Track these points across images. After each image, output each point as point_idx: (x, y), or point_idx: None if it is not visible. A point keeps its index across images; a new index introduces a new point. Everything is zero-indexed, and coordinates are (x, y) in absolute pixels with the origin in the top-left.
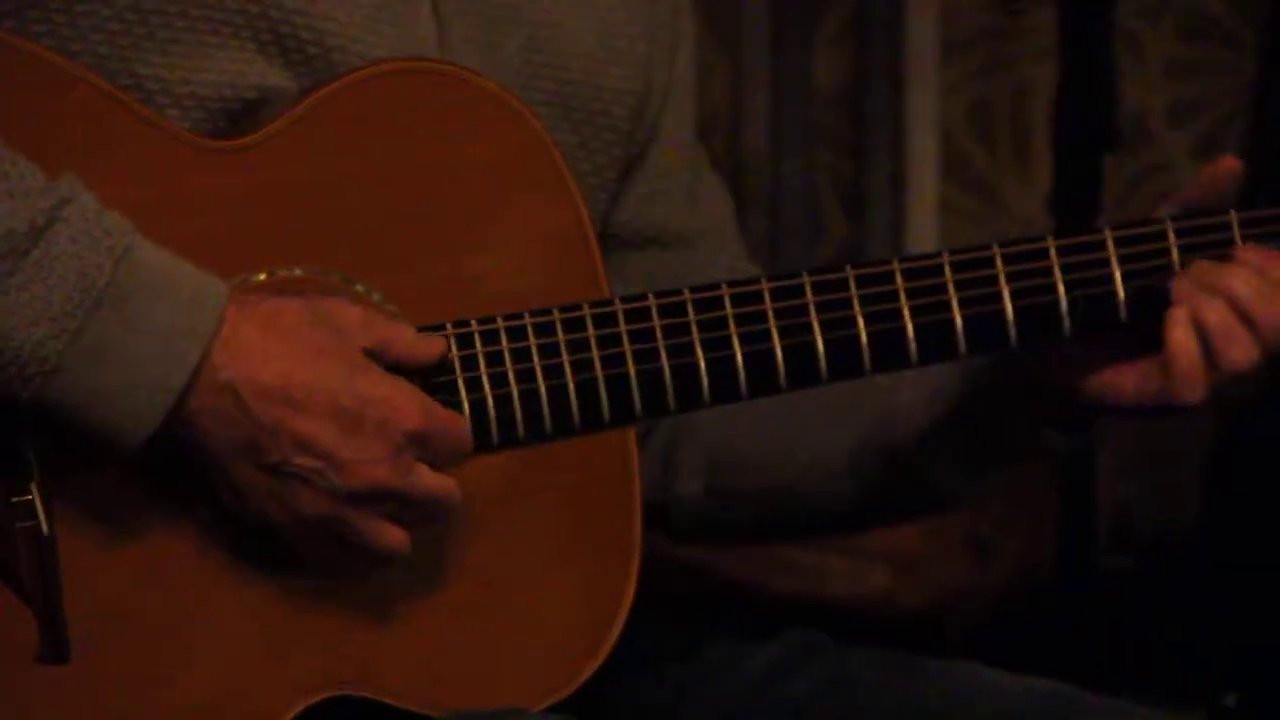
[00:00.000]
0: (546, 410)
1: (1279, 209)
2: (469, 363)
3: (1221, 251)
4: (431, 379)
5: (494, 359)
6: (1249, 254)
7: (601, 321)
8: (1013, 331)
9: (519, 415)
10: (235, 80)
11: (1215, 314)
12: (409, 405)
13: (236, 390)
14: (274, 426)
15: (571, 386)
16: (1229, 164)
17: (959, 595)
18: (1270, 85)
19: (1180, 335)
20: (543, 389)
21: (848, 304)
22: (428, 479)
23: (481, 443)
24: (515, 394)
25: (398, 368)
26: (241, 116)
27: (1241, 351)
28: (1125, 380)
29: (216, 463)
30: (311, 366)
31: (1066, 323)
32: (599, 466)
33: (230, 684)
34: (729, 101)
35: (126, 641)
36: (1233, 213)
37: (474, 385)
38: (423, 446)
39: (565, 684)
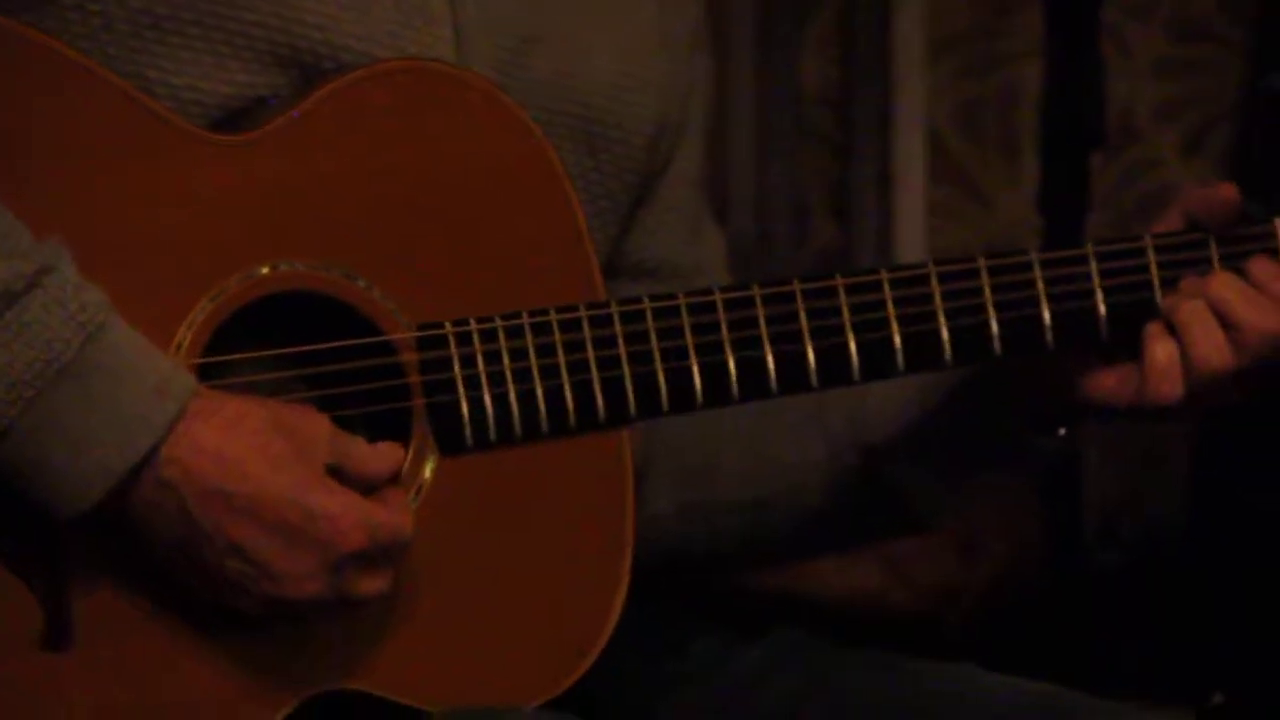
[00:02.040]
0: (543, 410)
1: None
2: (467, 361)
3: (1208, 269)
4: (429, 376)
5: (492, 358)
6: (1255, 266)
7: (598, 323)
8: (997, 345)
9: (516, 414)
10: (244, 91)
11: (1192, 313)
12: (353, 527)
13: (179, 490)
14: (212, 531)
15: (568, 387)
16: (1227, 192)
17: (947, 593)
18: (1258, 84)
19: (1155, 330)
20: (539, 389)
21: (837, 312)
22: (363, 587)
23: (479, 441)
24: (512, 393)
25: (355, 484)
26: (246, 115)
27: (1215, 350)
28: (1105, 382)
29: (155, 553)
30: (263, 476)
31: (1049, 337)
32: (593, 465)
33: (227, 677)
34: (715, 102)
35: (126, 634)
36: (1212, 242)
37: (472, 383)
38: (365, 563)
39: (558, 681)
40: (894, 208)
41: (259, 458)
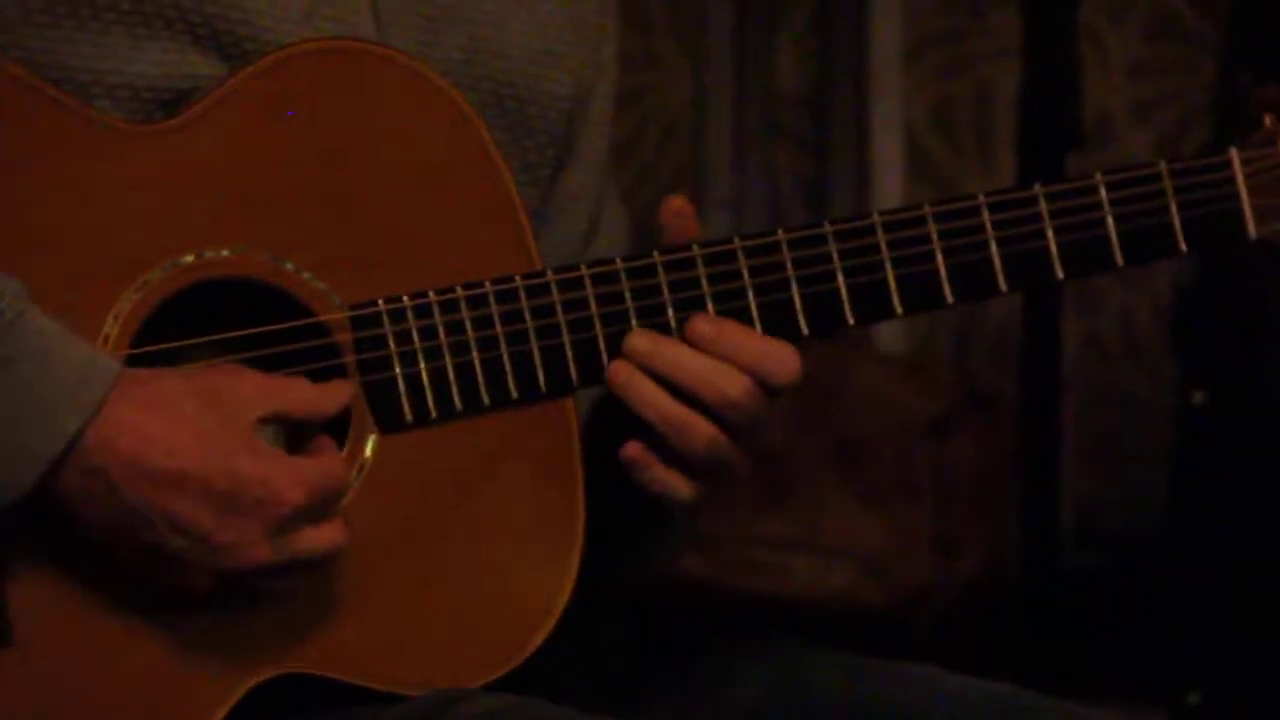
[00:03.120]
0: (482, 382)
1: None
2: (402, 338)
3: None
4: (365, 354)
5: (427, 333)
6: (698, 325)
7: (534, 292)
8: (948, 293)
9: (454, 388)
10: (170, 71)
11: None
12: (288, 485)
13: (107, 473)
14: (147, 509)
15: (506, 358)
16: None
17: (923, 594)
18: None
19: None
20: (477, 362)
21: (781, 267)
22: (312, 541)
23: (419, 416)
24: (450, 367)
25: (303, 426)
26: (176, 105)
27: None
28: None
29: (97, 539)
30: (189, 448)
31: (1001, 280)
32: (539, 433)
33: (178, 660)
34: (691, 102)
35: (71, 624)
36: (1165, 172)
37: (408, 360)
38: (306, 517)
39: (515, 654)
40: (871, 205)
41: (183, 431)
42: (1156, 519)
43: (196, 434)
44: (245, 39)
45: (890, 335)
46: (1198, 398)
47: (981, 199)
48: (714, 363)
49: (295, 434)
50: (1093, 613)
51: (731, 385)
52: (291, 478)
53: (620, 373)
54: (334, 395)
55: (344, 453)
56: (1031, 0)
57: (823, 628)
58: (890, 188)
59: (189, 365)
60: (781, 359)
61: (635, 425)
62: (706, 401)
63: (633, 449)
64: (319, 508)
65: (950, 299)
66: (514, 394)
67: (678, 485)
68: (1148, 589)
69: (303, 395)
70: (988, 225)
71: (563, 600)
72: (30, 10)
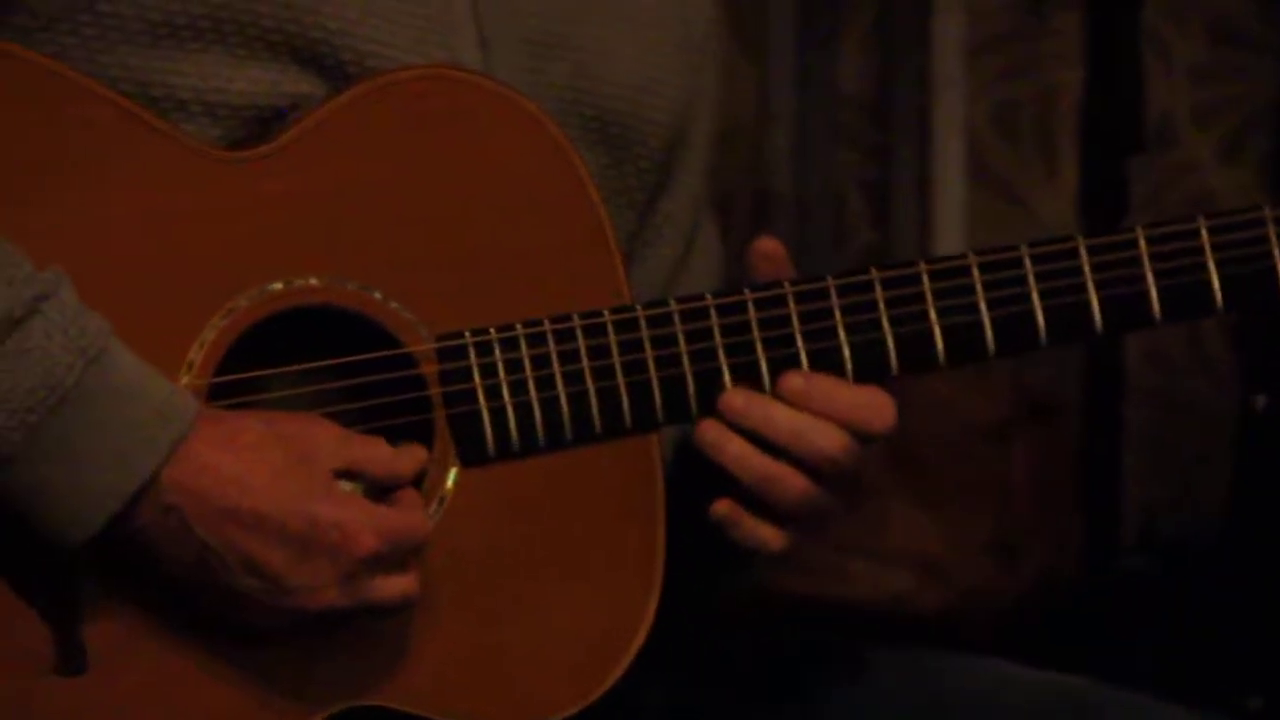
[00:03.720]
0: (567, 417)
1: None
2: (488, 370)
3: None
4: (450, 387)
5: (513, 366)
6: (790, 380)
7: (623, 327)
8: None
9: (539, 422)
10: (270, 90)
11: (750, 467)
12: (363, 531)
13: (183, 511)
14: (221, 548)
15: (592, 393)
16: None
17: (981, 597)
18: None
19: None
20: (563, 396)
21: (873, 306)
22: (383, 590)
23: (501, 450)
24: (535, 401)
25: (379, 486)
26: (271, 124)
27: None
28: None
29: (170, 576)
30: (264, 489)
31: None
32: (622, 469)
33: (246, 696)
34: (754, 104)
35: (145, 654)
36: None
37: (493, 393)
38: (379, 565)
39: (589, 691)
40: (932, 211)
41: (260, 471)
42: (1218, 523)
43: (273, 475)
44: (348, 63)
45: None
46: (1259, 402)
47: (1080, 242)
48: (808, 419)
49: (375, 489)
50: (1153, 617)
51: (826, 441)
52: (367, 524)
53: (709, 431)
54: (411, 458)
55: (425, 484)
56: (1094, 2)
57: (881, 631)
58: (952, 191)
59: (268, 410)
60: (876, 408)
61: (724, 476)
62: (800, 457)
63: (723, 506)
64: (393, 557)
65: (1044, 340)
66: (598, 429)
67: (769, 538)
68: (1209, 594)
69: (380, 454)
70: (1086, 268)
71: (639, 640)
72: (131, 31)
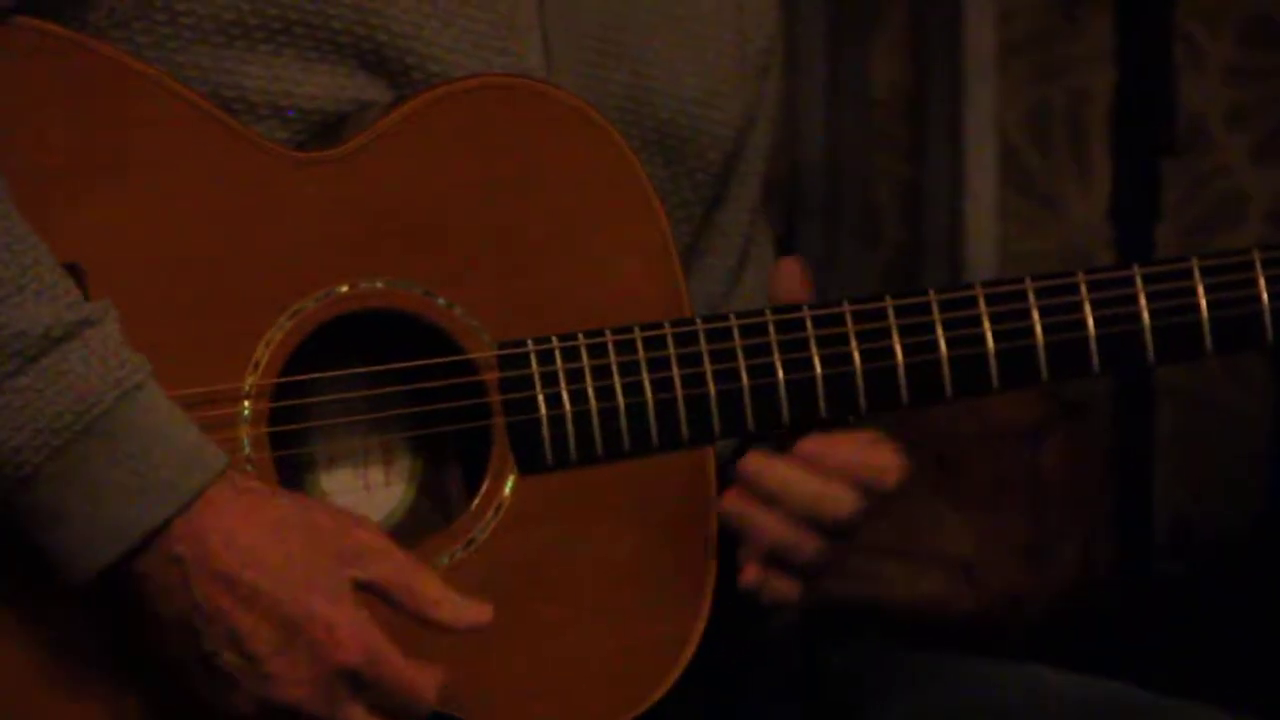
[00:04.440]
0: (625, 428)
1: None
2: (549, 379)
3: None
4: (510, 394)
5: (574, 376)
6: (807, 445)
7: (683, 340)
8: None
9: (597, 433)
10: (337, 94)
11: (772, 532)
12: (352, 640)
13: (186, 566)
14: (213, 613)
15: (651, 405)
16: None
17: (1015, 600)
18: None
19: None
20: (622, 406)
21: (930, 328)
22: (354, 718)
23: (559, 459)
24: (594, 411)
25: (399, 610)
26: (338, 128)
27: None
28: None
29: (152, 632)
30: (272, 568)
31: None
32: (676, 481)
33: None
34: (786, 105)
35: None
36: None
37: (553, 402)
38: (359, 687)
39: (638, 703)
40: (964, 211)
41: (273, 551)
42: (1250, 526)
43: (285, 559)
44: (413, 67)
45: None
46: None
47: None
48: (822, 485)
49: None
50: (1185, 621)
51: (841, 507)
52: (359, 638)
53: (733, 504)
54: (460, 610)
55: (482, 491)
56: (1126, 4)
57: (915, 634)
58: (984, 192)
59: (315, 500)
60: (888, 470)
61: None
62: (818, 522)
63: (751, 574)
64: (378, 690)
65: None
66: (655, 441)
67: (789, 591)
68: (1241, 597)
69: (425, 586)
70: (1142, 297)
71: (689, 652)
72: (206, 31)
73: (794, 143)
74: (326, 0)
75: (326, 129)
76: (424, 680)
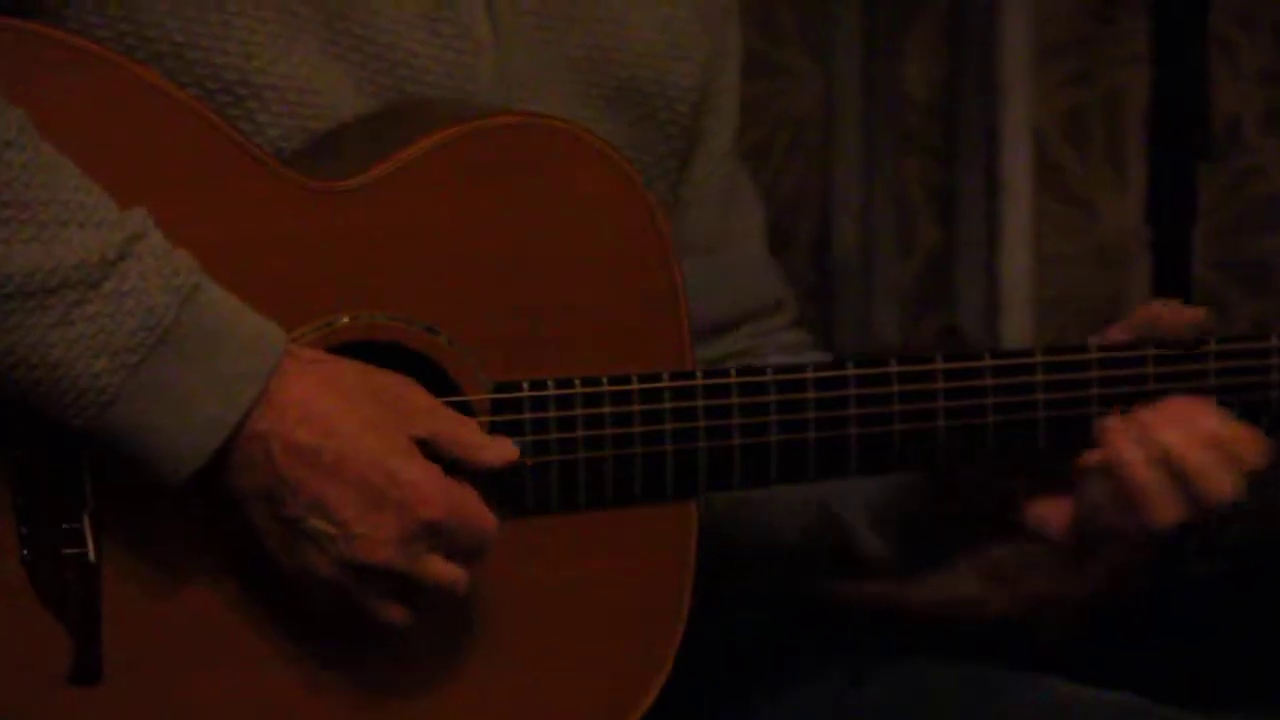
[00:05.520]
0: (610, 481)
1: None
2: (540, 426)
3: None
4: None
5: (565, 425)
6: (1178, 405)
7: (679, 395)
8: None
9: (581, 483)
10: (309, 80)
11: (1144, 470)
12: (434, 495)
13: (267, 441)
14: (296, 484)
15: (639, 458)
16: (1192, 315)
17: (1047, 603)
18: None
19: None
20: (610, 459)
21: (932, 396)
22: (437, 568)
23: (540, 506)
24: (581, 461)
25: (456, 466)
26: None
27: (1171, 509)
28: (1051, 515)
29: (239, 503)
30: (351, 435)
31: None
32: (656, 531)
33: (259, 718)
34: (820, 108)
35: (159, 670)
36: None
37: (541, 449)
38: (439, 537)
39: None
40: (999, 215)
41: (347, 416)
42: None
43: (362, 424)
44: (366, 41)
45: (1016, 341)
46: None
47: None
48: (1216, 458)
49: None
50: (1218, 622)
51: (1222, 485)
52: (440, 492)
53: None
54: (499, 450)
55: None
56: (1161, 6)
57: (948, 636)
58: (1019, 195)
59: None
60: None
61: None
62: (1195, 494)
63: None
64: (455, 536)
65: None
66: (638, 493)
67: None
68: (1274, 598)
69: (469, 436)
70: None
71: (652, 695)
72: (178, 3)
73: (829, 145)
74: None
75: (318, 145)
76: (491, 517)
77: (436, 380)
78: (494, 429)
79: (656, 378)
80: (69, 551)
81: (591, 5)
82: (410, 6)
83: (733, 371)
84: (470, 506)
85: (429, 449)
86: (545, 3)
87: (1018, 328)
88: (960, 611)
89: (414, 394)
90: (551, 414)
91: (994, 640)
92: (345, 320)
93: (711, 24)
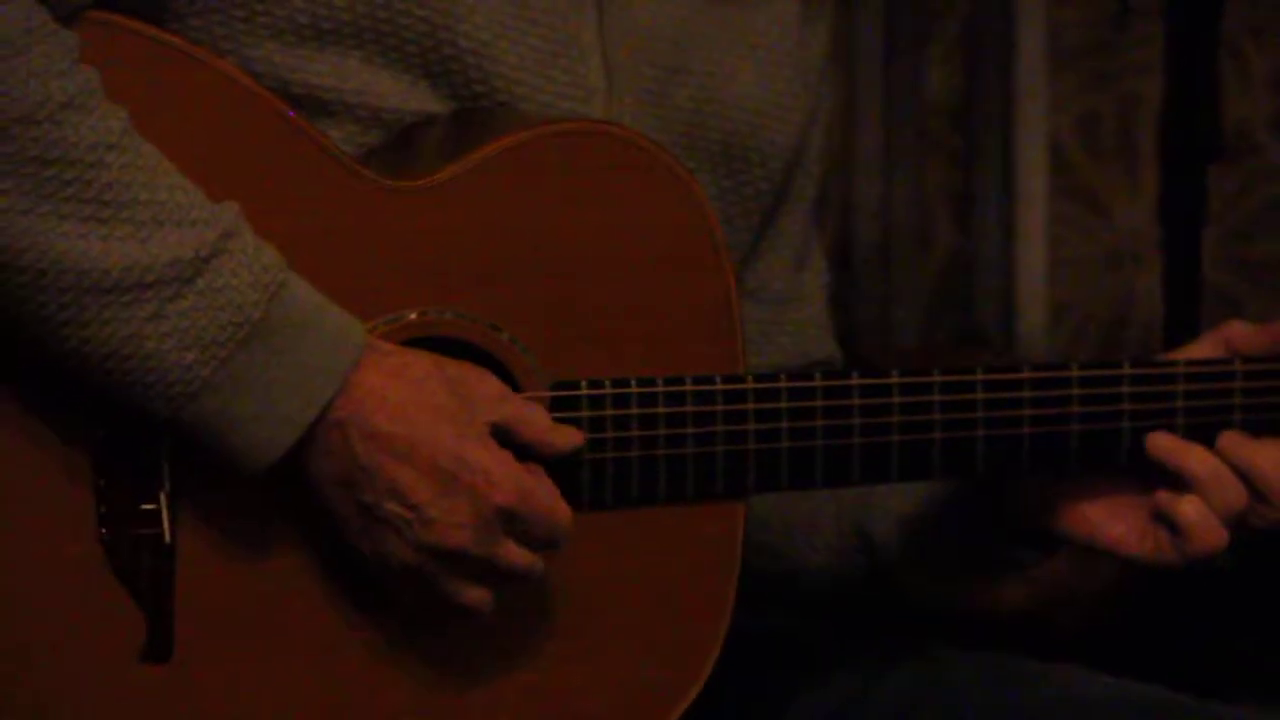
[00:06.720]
0: (663, 477)
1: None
2: (596, 424)
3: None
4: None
5: (621, 423)
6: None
7: (731, 397)
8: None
9: (635, 480)
10: (400, 105)
11: (1234, 493)
12: (506, 482)
13: (345, 429)
14: (373, 469)
15: (691, 457)
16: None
17: (1064, 595)
18: None
19: (1190, 512)
20: (662, 457)
21: (972, 406)
22: (511, 554)
23: (595, 503)
24: (635, 459)
25: (526, 450)
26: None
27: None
28: (1114, 528)
29: (317, 489)
30: (424, 422)
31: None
32: (704, 528)
33: (322, 703)
34: (841, 111)
35: (229, 651)
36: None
37: (596, 446)
38: (513, 524)
39: None
40: (1016, 218)
41: (421, 405)
42: None
43: (435, 411)
44: (476, 81)
45: (1031, 341)
46: None
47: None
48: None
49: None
50: (1236, 615)
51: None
52: (512, 479)
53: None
54: (567, 435)
55: None
56: (1175, 13)
57: (962, 628)
58: (1035, 198)
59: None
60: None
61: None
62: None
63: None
64: (527, 523)
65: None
66: (690, 492)
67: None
68: None
69: (539, 420)
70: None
71: (695, 690)
72: (279, 29)
73: (848, 148)
74: (399, 12)
75: (394, 144)
76: (565, 507)
77: (498, 376)
78: None
79: (710, 380)
80: (145, 532)
81: (704, 59)
82: (527, 52)
83: (783, 376)
84: (542, 494)
85: (501, 437)
86: (661, 53)
87: (1033, 328)
88: (979, 605)
89: (485, 382)
90: (608, 412)
91: (1013, 632)
92: (413, 316)
93: (810, 83)
